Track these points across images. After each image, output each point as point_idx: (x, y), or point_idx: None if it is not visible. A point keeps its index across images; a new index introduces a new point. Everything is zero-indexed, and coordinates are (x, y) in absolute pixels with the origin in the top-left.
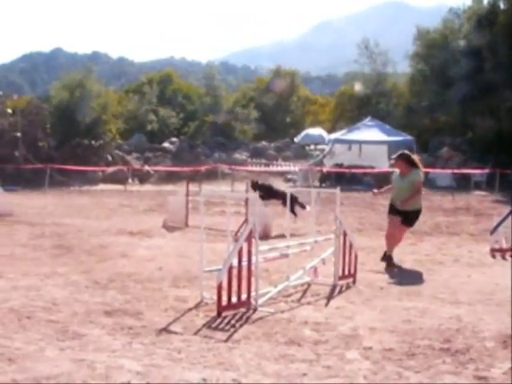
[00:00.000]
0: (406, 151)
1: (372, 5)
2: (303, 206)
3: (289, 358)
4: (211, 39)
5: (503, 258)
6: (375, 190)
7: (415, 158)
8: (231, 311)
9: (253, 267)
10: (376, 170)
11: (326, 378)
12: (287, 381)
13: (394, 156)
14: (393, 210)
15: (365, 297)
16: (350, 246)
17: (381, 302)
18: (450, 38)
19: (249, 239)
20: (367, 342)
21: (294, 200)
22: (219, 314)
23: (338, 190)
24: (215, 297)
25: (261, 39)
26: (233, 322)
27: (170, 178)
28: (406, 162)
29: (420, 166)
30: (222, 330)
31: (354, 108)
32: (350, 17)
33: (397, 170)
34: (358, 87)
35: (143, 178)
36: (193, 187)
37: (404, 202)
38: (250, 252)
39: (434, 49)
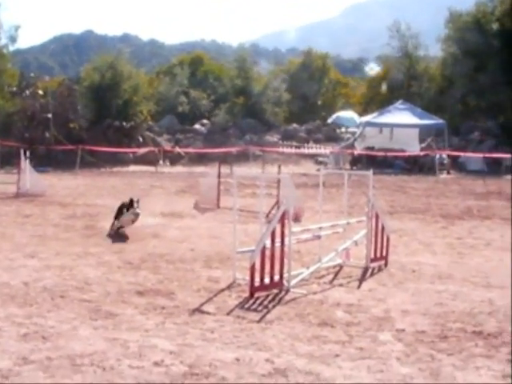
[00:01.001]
0: None
1: None
2: None
3: (321, 339)
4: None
5: None
6: None
7: None
8: (264, 292)
9: (286, 249)
10: (407, 154)
11: (358, 360)
12: (320, 361)
13: None
14: None
15: (397, 279)
16: (382, 228)
17: (413, 285)
18: (483, 21)
19: (282, 221)
20: (400, 324)
21: None
22: (252, 295)
23: (370, 173)
24: (248, 277)
25: (292, 21)
26: (265, 302)
27: (201, 159)
28: None
29: None
30: (255, 310)
31: (386, 91)
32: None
33: None
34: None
35: (174, 159)
36: (224, 169)
37: None
38: (283, 233)
39: (466, 32)
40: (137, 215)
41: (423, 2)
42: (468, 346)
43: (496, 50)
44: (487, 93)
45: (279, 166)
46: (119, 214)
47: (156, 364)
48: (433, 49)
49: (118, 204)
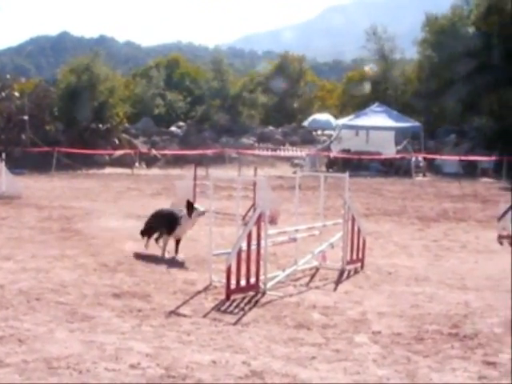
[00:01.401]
0: None
1: None
2: None
3: (298, 342)
4: (218, 24)
5: (511, 244)
6: None
7: None
8: (240, 294)
9: (262, 251)
10: (383, 156)
11: (335, 362)
12: (296, 364)
13: None
14: None
15: (373, 282)
16: (359, 230)
17: (389, 287)
18: (459, 25)
19: (258, 223)
20: (376, 326)
21: None
22: (228, 297)
23: (346, 175)
24: (224, 280)
25: (268, 25)
26: (242, 305)
27: (177, 161)
28: None
29: None
30: (231, 313)
31: (361, 93)
32: (359, 2)
33: None
34: (368, 70)
35: (150, 161)
36: (200, 171)
37: None
38: (259, 236)
39: (442, 35)
40: (203, 213)
41: (401, 6)
42: (444, 348)
43: (472, 53)
44: (464, 96)
45: (255, 169)
46: (165, 225)
47: (132, 367)
48: (409, 52)
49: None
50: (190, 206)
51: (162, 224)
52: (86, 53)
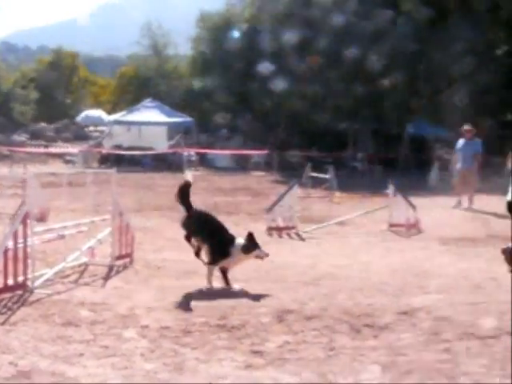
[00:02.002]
0: None
1: None
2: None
3: (66, 339)
4: None
5: (279, 235)
6: None
7: None
8: (7, 294)
9: (29, 249)
10: (155, 151)
11: (103, 358)
12: (64, 361)
13: None
14: None
15: (142, 276)
16: (127, 226)
17: (158, 282)
18: (233, 21)
19: (24, 221)
20: (144, 320)
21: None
22: None
23: (113, 171)
24: None
25: (45, 19)
26: (9, 304)
27: None
28: None
29: None
30: None
31: (134, 89)
32: None
33: None
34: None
35: None
36: None
37: None
38: (25, 234)
39: (215, 31)
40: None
41: (177, 2)
42: (212, 339)
43: (244, 48)
44: (236, 89)
45: (25, 166)
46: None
47: None
48: (183, 48)
49: None
50: (251, 240)
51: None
52: None
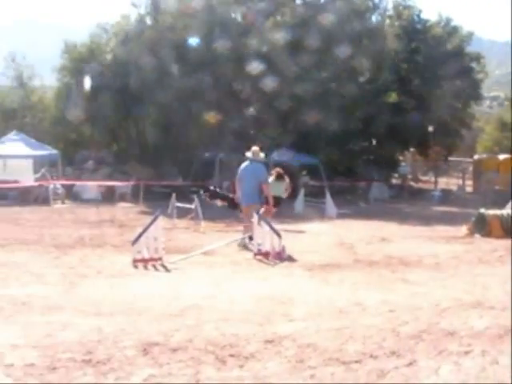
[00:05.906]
0: None
1: (18, 19)
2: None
3: None
4: None
5: (145, 267)
6: None
7: None
8: None
9: None
10: (21, 184)
11: None
12: None
13: None
14: None
15: (7, 313)
16: None
17: (23, 318)
18: (97, 52)
19: None
20: (9, 359)
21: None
22: None
23: None
24: None
25: None
26: None
27: None
28: None
29: None
30: None
31: None
32: None
33: None
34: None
35: None
36: None
37: None
38: None
39: (81, 62)
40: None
41: (41, 34)
42: (77, 376)
43: (108, 79)
44: (102, 122)
45: None
46: None
47: None
48: (49, 79)
49: None
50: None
51: None
52: None
